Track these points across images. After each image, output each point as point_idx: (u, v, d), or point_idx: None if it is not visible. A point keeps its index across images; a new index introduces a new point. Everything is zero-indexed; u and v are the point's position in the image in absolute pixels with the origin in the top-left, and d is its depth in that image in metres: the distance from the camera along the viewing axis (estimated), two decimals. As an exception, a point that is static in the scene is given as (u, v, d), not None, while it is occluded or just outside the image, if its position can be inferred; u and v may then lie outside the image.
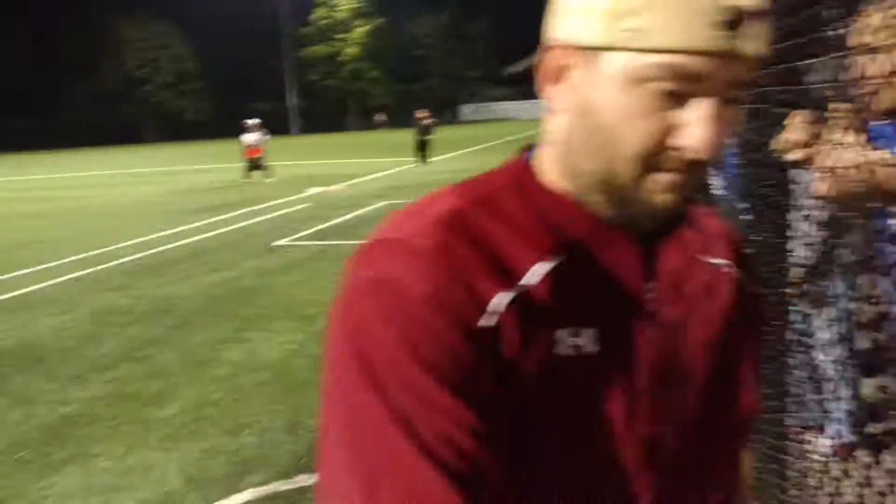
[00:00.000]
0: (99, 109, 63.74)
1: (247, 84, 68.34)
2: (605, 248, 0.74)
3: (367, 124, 63.97)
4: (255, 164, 19.34)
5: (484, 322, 0.67)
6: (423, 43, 73.98)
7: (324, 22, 71.21)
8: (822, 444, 2.61)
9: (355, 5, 71.07)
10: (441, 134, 28.13)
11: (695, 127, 0.64)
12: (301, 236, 10.46)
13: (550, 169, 0.75)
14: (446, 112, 73.46)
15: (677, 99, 0.64)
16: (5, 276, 8.66)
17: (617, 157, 0.67)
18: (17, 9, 63.43)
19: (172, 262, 9.03)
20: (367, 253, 0.75)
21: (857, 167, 1.22)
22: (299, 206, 13.87)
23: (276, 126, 37.47)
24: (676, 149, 0.65)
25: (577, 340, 0.71)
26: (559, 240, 0.73)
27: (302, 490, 3.42)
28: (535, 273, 0.71)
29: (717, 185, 4.11)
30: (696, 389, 0.78)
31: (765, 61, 0.66)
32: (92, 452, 3.96)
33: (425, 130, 22.38)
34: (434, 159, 22.31)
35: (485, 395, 0.66)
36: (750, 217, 2.30)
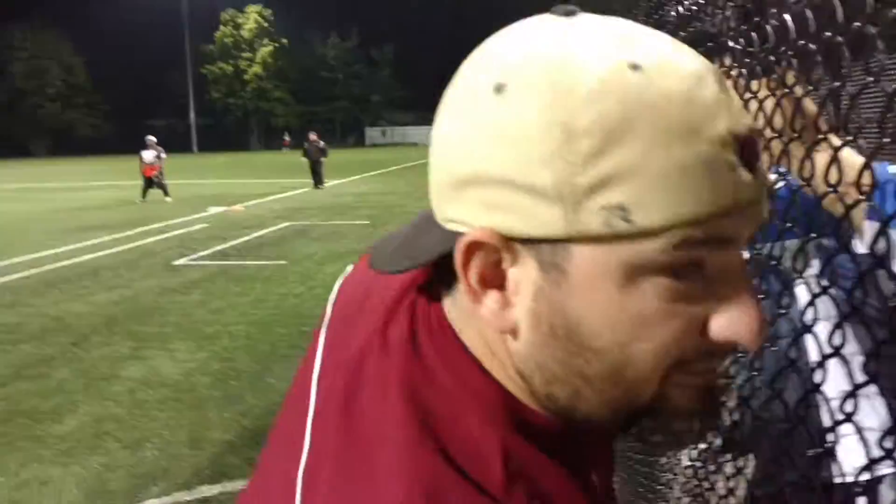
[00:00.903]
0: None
1: (146, 100, 66.34)
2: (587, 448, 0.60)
3: (270, 144, 63.24)
4: (152, 183, 18.91)
5: None
6: (330, 65, 74.00)
7: (228, 40, 70.16)
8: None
9: (261, 25, 70.40)
10: (346, 157, 28.20)
11: (734, 311, 0.47)
12: (201, 256, 10.37)
13: (515, 387, 0.54)
14: (352, 135, 73.46)
15: (704, 280, 0.47)
16: None
17: (637, 380, 0.49)
18: None
19: (66, 280, 8.79)
20: None
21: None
22: (199, 226, 13.68)
23: (177, 144, 36.55)
24: (714, 346, 0.48)
25: None
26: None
27: (204, 500, 3.52)
28: None
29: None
30: None
31: None
32: None
33: (319, 153, 21.76)
34: (334, 182, 22.35)
35: None
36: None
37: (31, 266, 9.73)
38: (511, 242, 0.48)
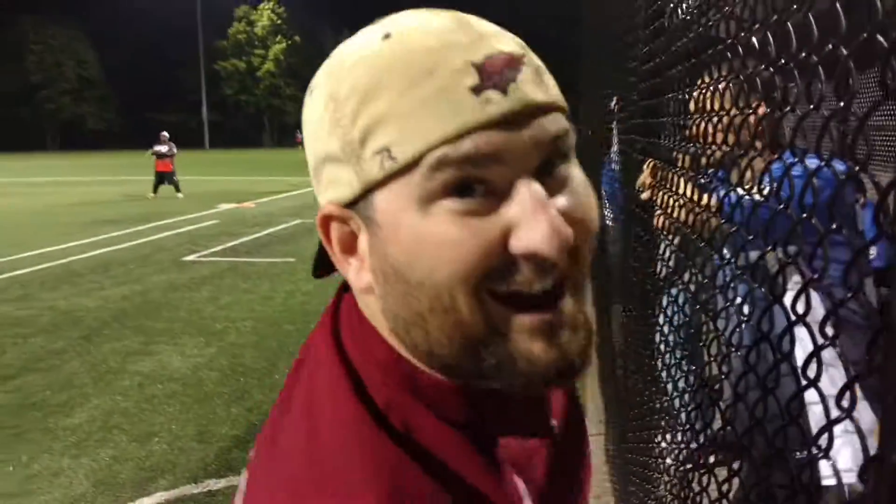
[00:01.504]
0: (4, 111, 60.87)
1: (158, 95, 66.59)
2: (524, 413, 0.65)
3: (282, 141, 63.40)
4: (164, 178, 19.02)
5: None
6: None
7: (241, 36, 70.41)
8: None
9: (274, 21, 70.60)
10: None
11: (522, 219, 0.51)
12: (211, 252, 10.45)
13: (407, 352, 0.59)
14: (362, 133, 73.35)
15: (490, 198, 0.52)
16: None
17: (458, 307, 0.52)
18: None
19: (77, 275, 8.89)
20: None
21: (681, 208, 1.56)
22: (210, 222, 13.78)
23: (189, 140, 36.68)
24: (518, 259, 0.52)
25: None
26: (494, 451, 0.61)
27: (211, 493, 3.58)
28: None
29: (608, 216, 4.53)
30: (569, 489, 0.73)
31: (568, 110, 0.56)
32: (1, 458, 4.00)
33: None
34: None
35: None
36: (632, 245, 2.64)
37: (43, 260, 9.84)
38: (347, 210, 0.56)
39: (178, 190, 18.82)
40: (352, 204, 0.55)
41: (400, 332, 0.57)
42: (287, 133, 64.85)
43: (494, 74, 0.51)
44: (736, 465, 1.25)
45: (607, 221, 4.51)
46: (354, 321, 0.62)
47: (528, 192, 0.51)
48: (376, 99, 0.52)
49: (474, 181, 0.51)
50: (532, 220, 0.51)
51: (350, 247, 0.58)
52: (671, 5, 1.74)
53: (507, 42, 0.55)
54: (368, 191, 0.53)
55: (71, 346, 5.99)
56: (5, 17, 60.55)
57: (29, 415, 4.60)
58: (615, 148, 4.23)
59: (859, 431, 0.80)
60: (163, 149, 19.04)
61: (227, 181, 24.24)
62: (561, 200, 0.53)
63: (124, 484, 3.69)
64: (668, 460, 1.87)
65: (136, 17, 65.65)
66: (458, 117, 0.50)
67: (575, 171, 0.56)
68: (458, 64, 0.51)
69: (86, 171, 31.00)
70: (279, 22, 70.90)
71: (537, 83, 0.54)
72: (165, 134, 19.70)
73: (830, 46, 0.73)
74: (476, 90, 0.51)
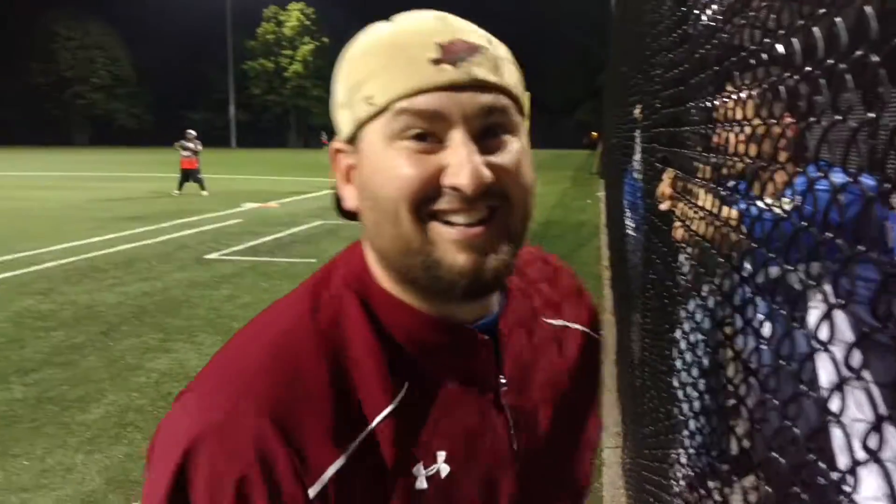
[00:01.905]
0: (27, 108, 61.70)
1: (186, 93, 67.22)
2: (453, 354, 0.76)
3: (308, 142, 63.71)
4: (189, 175, 19.16)
5: (315, 490, 0.67)
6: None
7: (270, 37, 70.89)
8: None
9: (303, 23, 71.00)
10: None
11: (453, 161, 0.67)
12: (233, 251, 10.49)
13: (376, 269, 0.77)
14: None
15: (437, 145, 0.69)
16: None
17: (395, 212, 0.69)
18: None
19: (100, 270, 8.97)
20: (194, 401, 0.72)
21: (701, 220, 1.50)
22: (233, 221, 13.86)
23: (216, 138, 36.95)
24: (447, 189, 0.68)
25: (433, 469, 0.73)
26: (403, 367, 0.74)
27: (221, 494, 3.55)
28: (376, 422, 0.71)
29: (629, 225, 4.46)
30: (549, 456, 0.83)
31: (506, 90, 0.71)
32: (11, 452, 4.01)
33: None
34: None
35: None
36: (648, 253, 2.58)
37: (67, 255, 9.95)
38: (348, 145, 0.75)
39: (202, 188, 18.96)
40: (351, 141, 0.74)
41: (371, 241, 0.75)
42: (313, 134, 65.19)
43: (452, 54, 0.69)
44: (750, 483, 1.19)
45: (628, 231, 4.45)
46: (351, 253, 0.81)
47: (461, 143, 0.68)
48: (368, 62, 0.71)
49: (426, 131, 0.69)
50: (459, 163, 0.67)
51: (349, 176, 0.76)
52: (695, 12, 1.69)
53: (473, 36, 0.72)
54: (359, 129, 0.72)
55: (90, 341, 6.03)
56: (38, 11, 61.47)
57: (46, 409, 4.62)
58: (637, 157, 4.17)
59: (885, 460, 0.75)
60: (189, 146, 19.21)
61: (252, 180, 24.43)
62: (493, 158, 0.70)
63: (137, 482, 3.68)
64: (683, 480, 1.82)
65: (168, 17, 66.42)
66: (418, 79, 0.68)
67: (515, 143, 0.72)
68: (428, 43, 0.70)
69: (113, 167, 31.37)
70: (308, 23, 71.34)
71: (490, 68, 0.70)
72: (192, 132, 19.87)
73: (859, 53, 0.69)
74: (435, 62, 0.69)
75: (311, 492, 0.66)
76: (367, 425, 0.70)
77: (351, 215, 0.78)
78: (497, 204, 0.69)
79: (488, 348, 0.77)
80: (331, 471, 0.68)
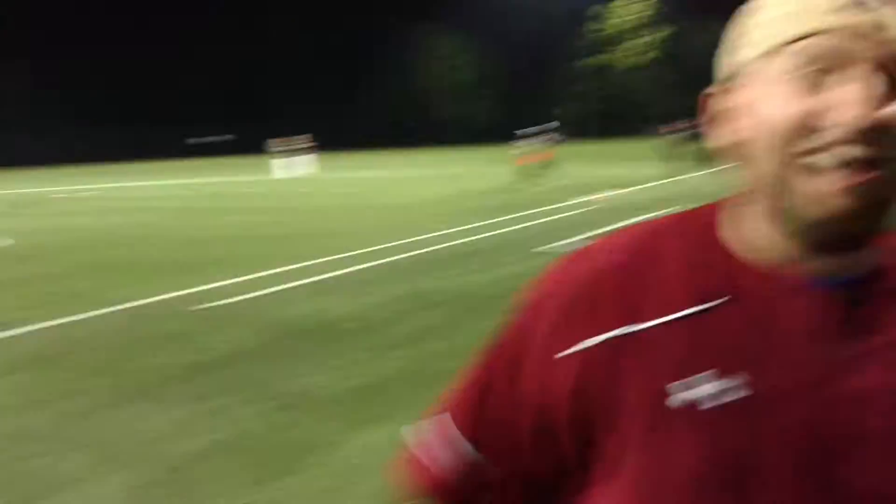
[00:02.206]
0: (395, 113, 68.94)
1: (540, 89, 69.51)
2: (777, 301, 0.69)
3: (663, 131, 62.16)
4: (538, 168, 19.63)
5: (565, 353, 0.71)
6: (712, 52, 70.21)
7: (613, 30, 70.53)
8: None
9: (647, 13, 69.64)
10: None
11: (840, 101, 0.64)
12: (566, 243, 10.33)
13: (729, 225, 0.74)
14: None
15: (825, 83, 0.65)
16: (311, 262, 9.88)
17: (772, 144, 0.66)
18: (329, 13, 71.03)
19: (443, 262, 9.69)
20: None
21: None
22: (573, 212, 13.98)
23: (568, 131, 37.57)
24: (831, 127, 0.64)
25: (696, 392, 0.67)
26: (714, 289, 0.70)
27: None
28: (658, 320, 0.70)
29: None
30: (874, 459, 0.66)
31: None
32: (393, 415, 4.34)
33: (691, 137, 20.83)
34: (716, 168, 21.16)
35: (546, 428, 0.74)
36: None
37: (426, 245, 10.95)
38: (729, 87, 0.73)
39: (547, 180, 19.31)
40: (731, 84, 0.72)
41: (745, 176, 0.71)
42: (666, 123, 63.37)
43: (861, 3, 0.65)
44: None
45: None
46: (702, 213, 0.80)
47: (858, 78, 0.64)
48: (776, 11, 0.69)
49: (821, 69, 0.65)
50: (853, 99, 0.63)
51: (723, 121, 0.73)
52: None
53: None
54: (743, 70, 0.70)
55: (456, 320, 6.54)
56: (403, 26, 68.27)
57: (421, 379, 4.98)
58: None
59: None
60: (532, 143, 19.84)
61: (597, 172, 23.79)
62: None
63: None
64: None
65: (515, 20, 69.38)
66: (816, 20, 0.65)
67: None
68: None
69: (469, 162, 33.48)
70: (651, 13, 69.66)
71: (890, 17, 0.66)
72: (549, 125, 20.39)
73: None
74: (846, 7, 0.65)
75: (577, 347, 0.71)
76: (641, 321, 0.70)
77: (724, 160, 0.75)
78: (887, 156, 0.64)
79: (819, 305, 0.68)
80: (598, 339, 0.71)
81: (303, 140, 33.08)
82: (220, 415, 4.68)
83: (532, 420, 0.74)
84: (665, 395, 0.67)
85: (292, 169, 31.83)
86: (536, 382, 0.72)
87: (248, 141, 52.03)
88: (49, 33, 64.29)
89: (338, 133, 57.84)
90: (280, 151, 32.83)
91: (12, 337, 6.76)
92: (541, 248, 10.40)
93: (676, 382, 0.67)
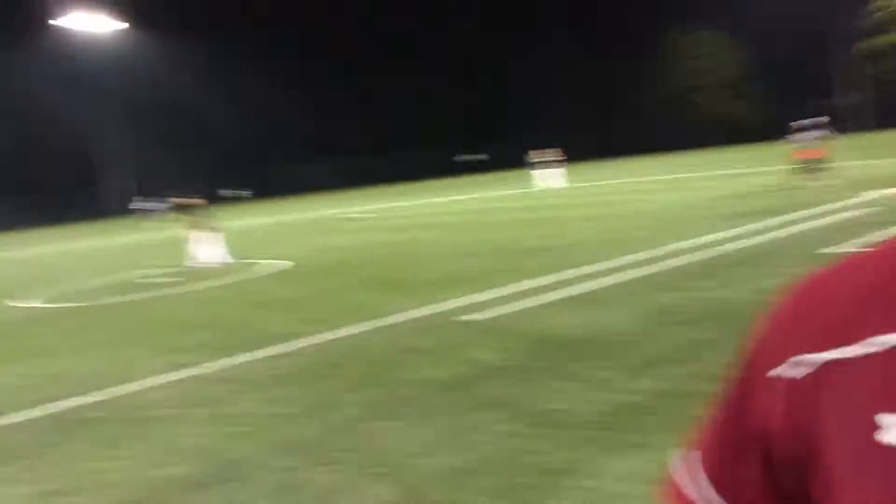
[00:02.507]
0: (652, 117, 67.73)
1: (801, 83, 64.48)
2: None
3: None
4: (811, 166, 18.10)
5: (774, 374, 0.63)
6: None
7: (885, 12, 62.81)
8: None
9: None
10: None
11: None
12: (850, 244, 9.46)
13: None
14: None
15: None
16: (578, 272, 9.86)
17: None
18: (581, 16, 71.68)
19: (723, 266, 9.15)
20: None
21: None
22: (858, 212, 12.66)
23: (846, 124, 34.37)
24: None
25: None
26: None
27: None
28: (873, 344, 0.58)
29: None
30: None
31: None
32: (646, 442, 4.14)
33: None
34: None
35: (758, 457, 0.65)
36: None
37: (692, 251, 10.47)
38: None
39: (826, 178, 17.68)
40: None
41: None
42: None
43: None
44: None
45: None
46: None
47: None
48: None
49: None
50: None
51: None
52: None
53: None
54: None
55: (716, 337, 6.00)
56: (659, 30, 66.91)
57: (676, 402, 4.66)
58: None
59: None
60: (806, 137, 18.28)
61: (882, 165, 21.81)
62: None
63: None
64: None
65: (769, 12, 64.86)
66: None
67: None
68: None
69: (734, 164, 32.01)
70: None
71: None
72: (821, 119, 18.86)
73: None
74: None
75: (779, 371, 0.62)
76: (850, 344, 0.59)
77: None
78: None
79: None
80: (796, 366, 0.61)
81: (555, 153, 34.78)
82: (477, 431, 4.65)
83: (761, 454, 0.65)
84: (875, 427, 0.56)
85: (549, 180, 33.54)
86: (760, 407, 0.65)
87: (500, 158, 54.50)
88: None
89: (591, 144, 58.25)
90: (539, 163, 35.07)
91: (282, 354, 7.26)
92: (827, 250, 9.41)
93: (888, 414, 0.56)
